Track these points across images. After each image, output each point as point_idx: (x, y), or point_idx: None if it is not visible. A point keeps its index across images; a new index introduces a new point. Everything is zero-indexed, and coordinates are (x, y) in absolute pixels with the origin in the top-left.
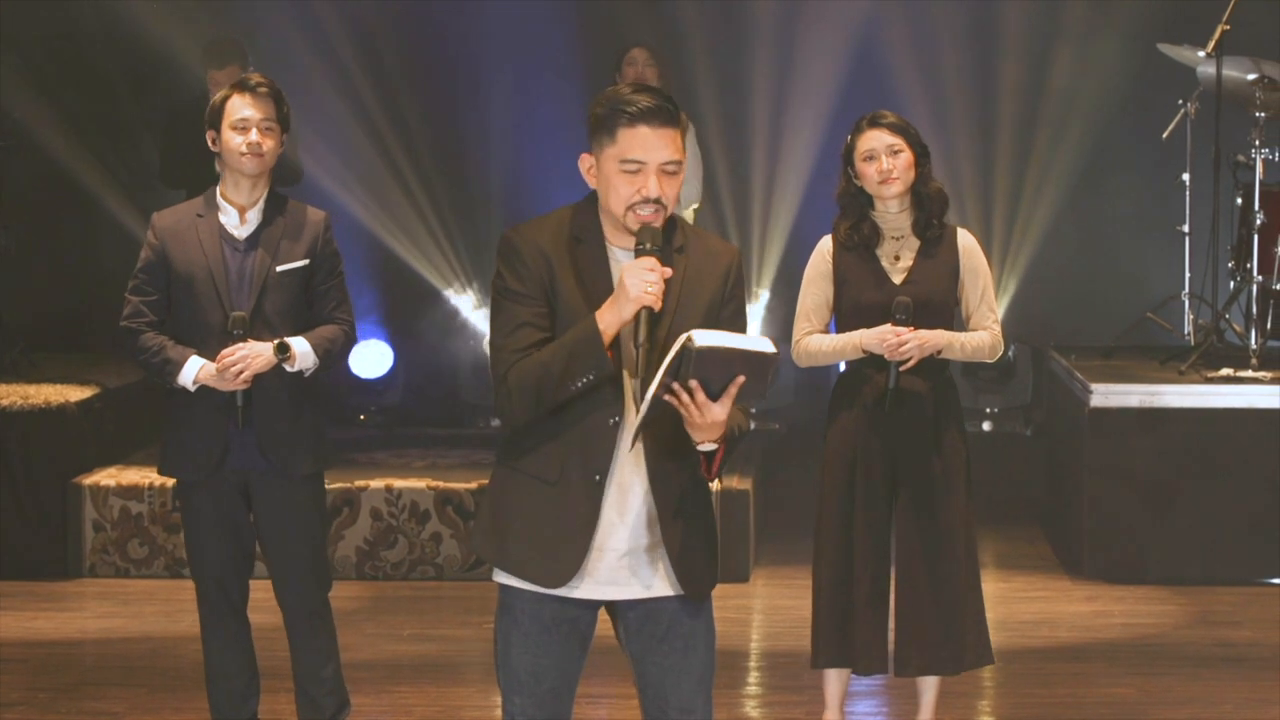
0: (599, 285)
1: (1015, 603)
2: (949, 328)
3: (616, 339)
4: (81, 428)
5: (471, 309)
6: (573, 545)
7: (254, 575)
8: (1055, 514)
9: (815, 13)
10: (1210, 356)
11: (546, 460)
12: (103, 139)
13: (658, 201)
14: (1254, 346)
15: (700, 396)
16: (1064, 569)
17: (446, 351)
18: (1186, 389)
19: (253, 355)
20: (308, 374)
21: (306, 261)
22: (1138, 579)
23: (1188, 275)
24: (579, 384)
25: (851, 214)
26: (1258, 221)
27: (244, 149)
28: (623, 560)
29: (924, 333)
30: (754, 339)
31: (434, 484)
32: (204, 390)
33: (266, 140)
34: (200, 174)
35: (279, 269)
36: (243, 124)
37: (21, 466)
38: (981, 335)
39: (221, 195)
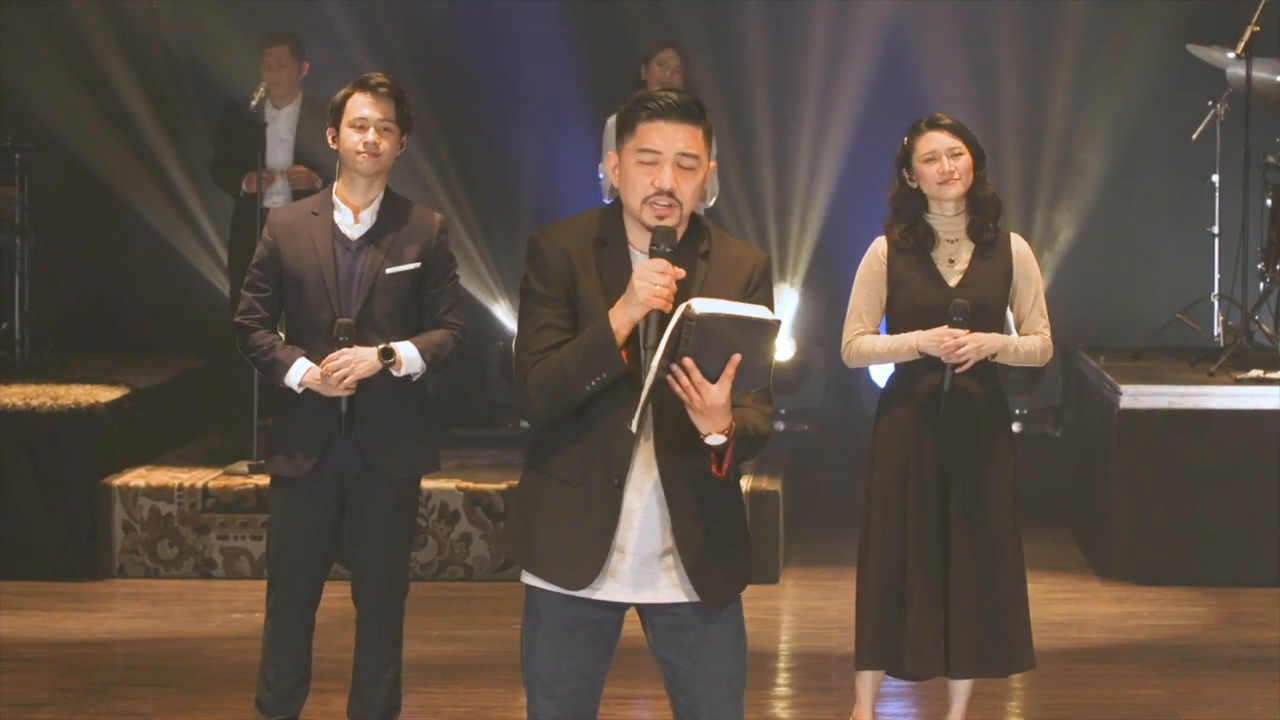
0: (620, 287)
1: (1044, 604)
2: (1002, 331)
3: (633, 339)
4: (111, 428)
5: (501, 310)
6: (594, 548)
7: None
8: (1084, 515)
9: (851, 12)
10: (1240, 358)
11: (570, 462)
12: (132, 138)
13: (671, 195)
14: None
15: (697, 376)
16: (1093, 570)
17: (476, 352)
18: (1216, 390)
19: (356, 361)
20: (415, 378)
21: (418, 264)
22: (1167, 580)
23: (1217, 276)
24: (593, 384)
25: (906, 216)
26: None
27: (360, 148)
28: (643, 564)
29: (981, 336)
30: (755, 307)
31: (463, 485)
32: (309, 392)
33: (384, 140)
34: (236, 176)
35: (389, 271)
36: (361, 123)
37: (51, 467)
38: (1033, 340)
39: (337, 194)
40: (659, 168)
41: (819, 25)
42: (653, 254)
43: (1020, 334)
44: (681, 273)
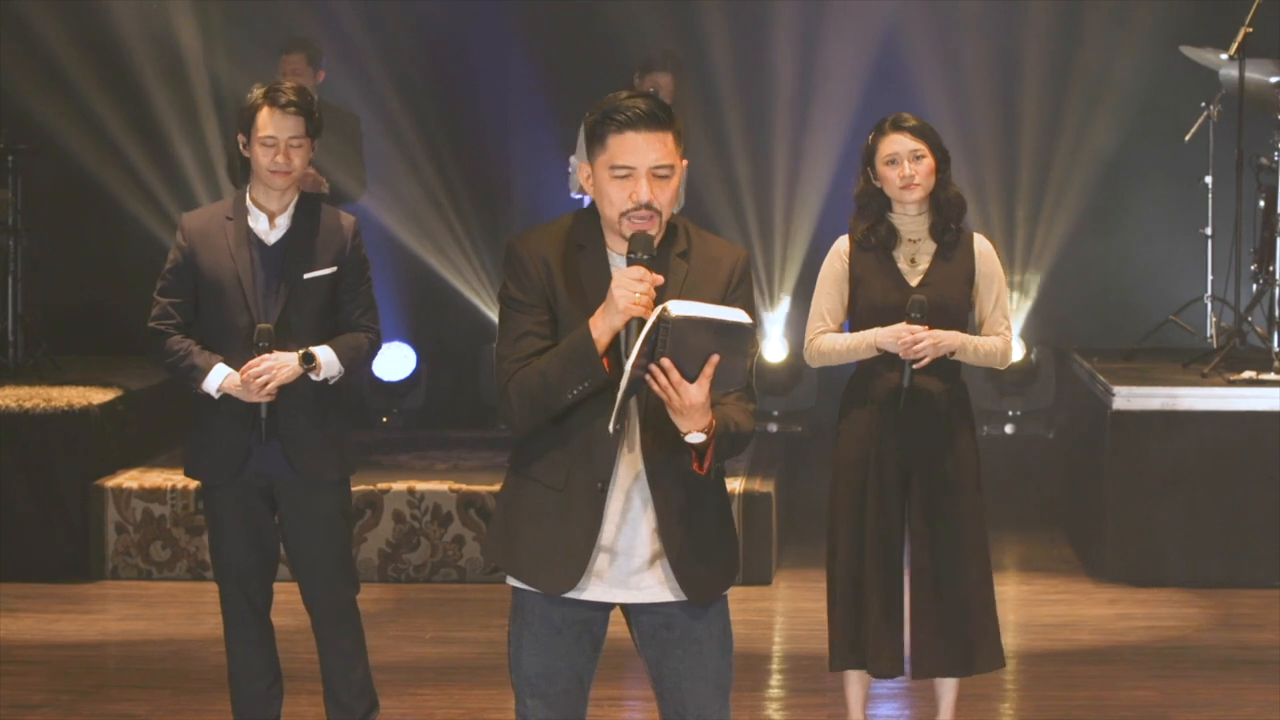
0: (599, 292)
1: (1037, 605)
2: (964, 331)
3: (614, 347)
4: (104, 430)
5: (493, 313)
6: (576, 552)
7: (277, 578)
8: (1077, 516)
9: (838, 13)
10: (1232, 359)
11: (553, 467)
12: (125, 141)
13: (649, 206)
14: (1276, 349)
15: (675, 376)
16: (1086, 571)
17: (469, 354)
18: (1209, 392)
19: (278, 367)
20: (332, 382)
21: (334, 269)
22: (1160, 581)
23: (1210, 278)
24: (574, 392)
25: (869, 215)
26: None
27: (272, 167)
28: (629, 565)
29: (939, 332)
30: (731, 310)
31: (456, 486)
32: (228, 397)
33: (294, 157)
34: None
35: (306, 276)
36: (270, 141)
37: (44, 469)
38: (994, 340)
39: (251, 199)
40: (634, 181)
41: (807, 27)
42: (630, 261)
43: (982, 334)
44: (660, 279)
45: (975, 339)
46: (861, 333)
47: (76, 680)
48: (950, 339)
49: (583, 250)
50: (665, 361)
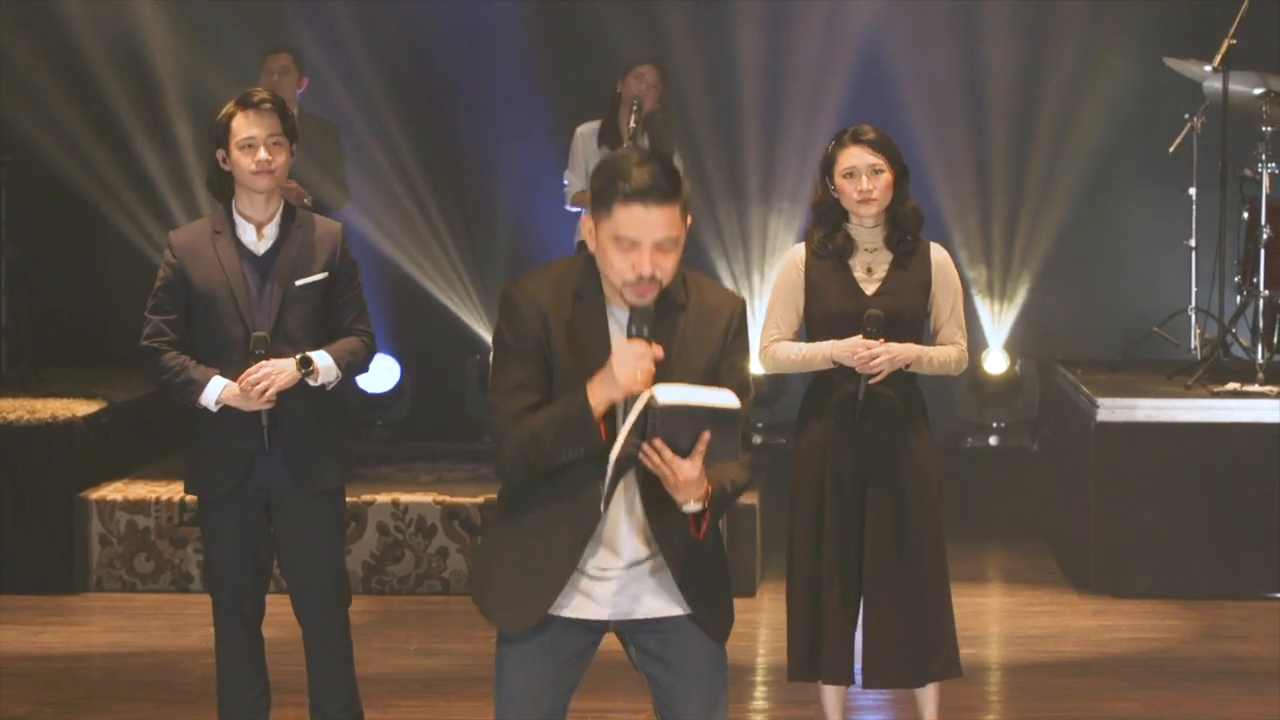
0: (596, 345)
1: (1021, 616)
2: (919, 341)
3: (611, 412)
4: (88, 442)
5: (477, 324)
6: (544, 592)
7: (268, 591)
8: (1061, 528)
9: (814, 25)
10: (1216, 371)
11: (540, 515)
12: (109, 153)
13: (652, 278)
14: (1260, 361)
15: (668, 455)
16: (1070, 583)
17: (453, 365)
18: (1193, 403)
19: (276, 373)
20: (330, 387)
21: (325, 274)
22: (1144, 593)
23: (1194, 290)
24: (567, 457)
25: (826, 223)
26: (1264, 236)
27: (254, 168)
28: (625, 585)
29: (895, 346)
30: (717, 393)
31: (440, 498)
32: (227, 409)
33: (275, 155)
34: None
35: (298, 283)
36: (249, 142)
37: (28, 481)
38: (949, 350)
39: (238, 212)
40: (639, 253)
41: (783, 39)
42: (631, 335)
43: (937, 343)
44: (660, 353)
45: (930, 350)
46: (817, 345)
47: (61, 692)
48: (906, 352)
49: (581, 301)
50: (658, 442)
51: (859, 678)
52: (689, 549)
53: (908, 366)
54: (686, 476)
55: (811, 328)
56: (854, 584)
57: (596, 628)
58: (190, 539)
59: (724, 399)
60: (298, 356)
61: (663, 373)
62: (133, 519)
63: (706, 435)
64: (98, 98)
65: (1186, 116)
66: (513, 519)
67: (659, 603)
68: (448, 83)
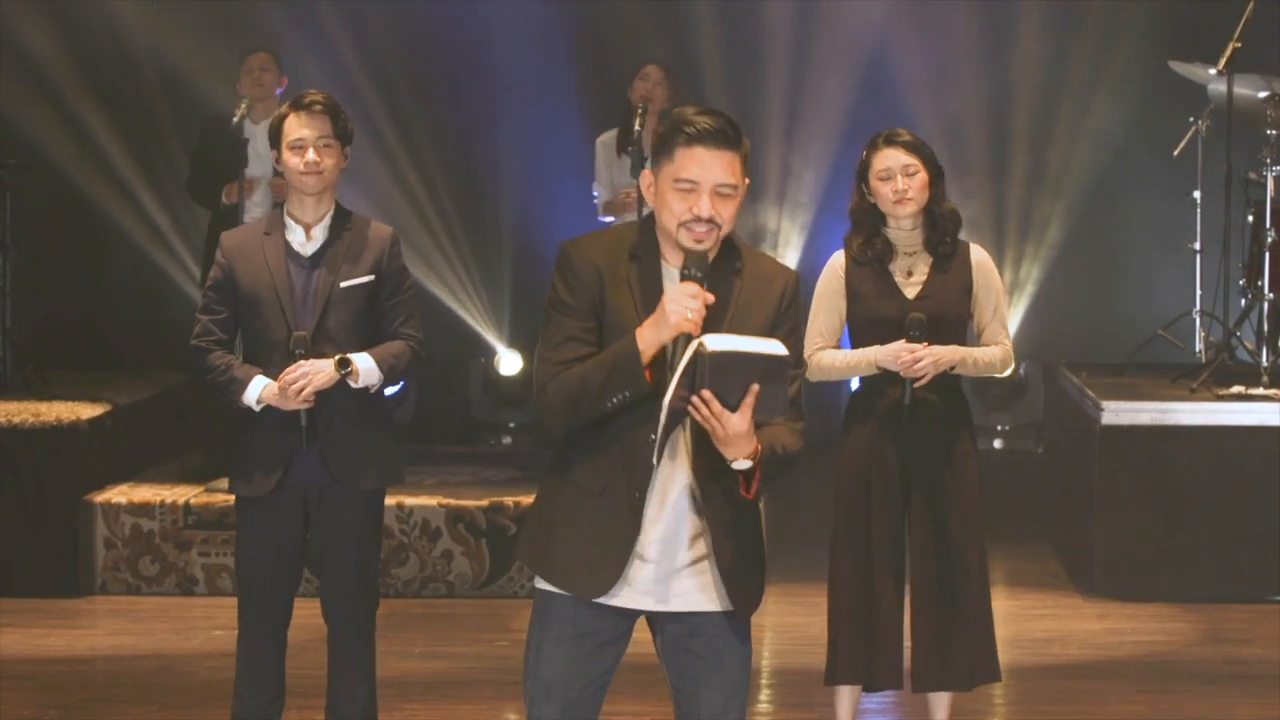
0: (650, 303)
1: (1026, 620)
2: (962, 343)
3: (659, 359)
4: (93, 445)
5: (481, 327)
6: (613, 558)
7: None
8: (1066, 531)
9: (827, 30)
10: (1221, 374)
11: (592, 473)
12: (113, 156)
13: (710, 221)
14: (1265, 364)
15: (716, 407)
16: (1074, 586)
17: (457, 368)
18: (1198, 407)
19: (313, 372)
20: (373, 390)
21: (371, 277)
22: (1148, 596)
23: (1199, 293)
24: (614, 400)
25: (864, 229)
26: (1269, 239)
27: (302, 168)
28: (664, 573)
29: (938, 349)
30: (766, 341)
31: (445, 501)
32: (269, 409)
33: (325, 158)
34: (215, 191)
35: (343, 285)
36: (299, 143)
37: (33, 484)
38: (993, 350)
39: (288, 213)
40: (697, 195)
41: (796, 43)
42: (684, 277)
43: (981, 343)
44: (711, 298)
45: (974, 351)
46: (861, 350)
47: (65, 695)
48: (949, 354)
49: (637, 260)
50: (706, 393)
51: (907, 682)
52: (734, 522)
53: (951, 369)
54: (735, 429)
55: (854, 333)
56: (902, 588)
57: (630, 615)
58: (195, 542)
59: (772, 346)
60: (336, 357)
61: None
62: (137, 522)
63: (755, 389)
64: (102, 101)
65: (1191, 120)
66: (567, 480)
67: (696, 596)
68: (449, 83)
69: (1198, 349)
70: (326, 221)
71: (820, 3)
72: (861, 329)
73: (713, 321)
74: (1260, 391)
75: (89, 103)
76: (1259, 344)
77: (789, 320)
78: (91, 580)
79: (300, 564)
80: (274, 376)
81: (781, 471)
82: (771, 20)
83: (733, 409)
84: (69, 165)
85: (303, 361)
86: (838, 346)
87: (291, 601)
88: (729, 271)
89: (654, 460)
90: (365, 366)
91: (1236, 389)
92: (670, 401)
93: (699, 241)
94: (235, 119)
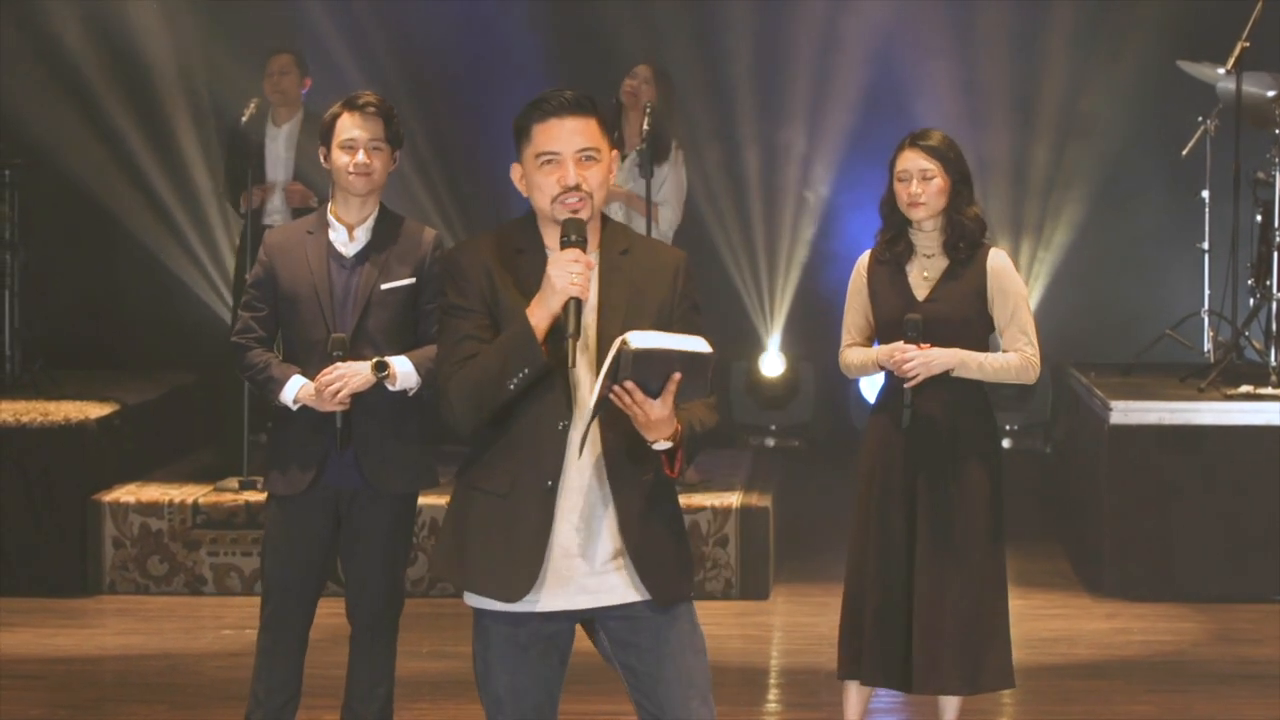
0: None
1: (1035, 620)
2: (975, 348)
3: (553, 335)
4: (101, 445)
5: None
6: (529, 556)
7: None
8: (1075, 531)
9: (840, 27)
10: (1230, 374)
11: (498, 474)
12: (122, 155)
13: (578, 189)
14: (1274, 364)
15: (639, 395)
16: (1084, 586)
17: None
18: (1206, 406)
19: (350, 375)
20: (411, 393)
21: (413, 280)
22: (1158, 596)
23: (1207, 292)
24: (515, 380)
25: (892, 225)
26: (1277, 239)
27: (351, 169)
28: (589, 567)
29: (933, 351)
30: (689, 339)
31: None
32: (305, 408)
33: (374, 160)
34: (239, 193)
35: (383, 287)
36: (350, 144)
37: (41, 483)
38: (1009, 357)
39: (332, 213)
40: (562, 166)
41: (809, 41)
42: (564, 245)
43: (1002, 349)
44: (593, 262)
45: (981, 356)
46: (870, 349)
47: (74, 695)
48: (945, 357)
49: (522, 254)
50: (629, 384)
51: (906, 682)
52: (651, 510)
53: (951, 372)
54: (657, 415)
55: (878, 332)
56: (896, 587)
57: (568, 618)
58: (203, 542)
59: (695, 344)
60: (374, 360)
61: (619, 316)
62: (146, 521)
63: (677, 376)
64: (111, 101)
65: (1199, 119)
66: (473, 486)
67: (626, 590)
68: (451, 84)
69: (1206, 349)
70: (370, 222)
71: (838, 3)
72: (880, 327)
73: (610, 302)
74: (1269, 391)
75: (98, 102)
76: (1267, 344)
77: (688, 299)
78: (100, 580)
79: (327, 565)
80: (312, 376)
81: (700, 447)
82: (799, 20)
83: (654, 396)
84: (78, 165)
85: (340, 364)
86: (868, 344)
87: (316, 602)
88: (617, 254)
89: (578, 452)
90: (403, 370)
91: (1245, 388)
92: (596, 396)
93: (575, 212)
94: (243, 119)
